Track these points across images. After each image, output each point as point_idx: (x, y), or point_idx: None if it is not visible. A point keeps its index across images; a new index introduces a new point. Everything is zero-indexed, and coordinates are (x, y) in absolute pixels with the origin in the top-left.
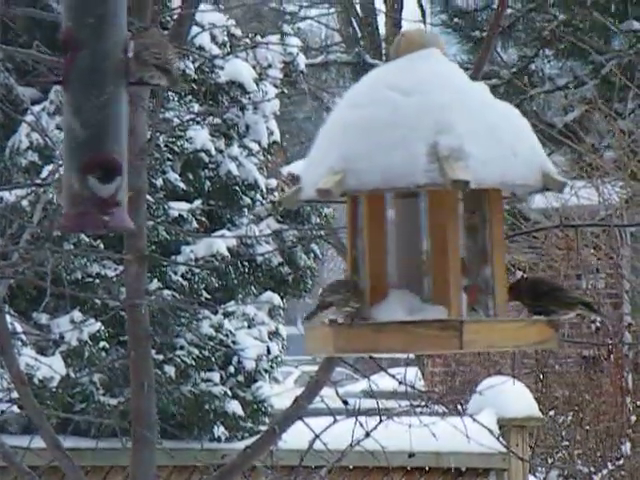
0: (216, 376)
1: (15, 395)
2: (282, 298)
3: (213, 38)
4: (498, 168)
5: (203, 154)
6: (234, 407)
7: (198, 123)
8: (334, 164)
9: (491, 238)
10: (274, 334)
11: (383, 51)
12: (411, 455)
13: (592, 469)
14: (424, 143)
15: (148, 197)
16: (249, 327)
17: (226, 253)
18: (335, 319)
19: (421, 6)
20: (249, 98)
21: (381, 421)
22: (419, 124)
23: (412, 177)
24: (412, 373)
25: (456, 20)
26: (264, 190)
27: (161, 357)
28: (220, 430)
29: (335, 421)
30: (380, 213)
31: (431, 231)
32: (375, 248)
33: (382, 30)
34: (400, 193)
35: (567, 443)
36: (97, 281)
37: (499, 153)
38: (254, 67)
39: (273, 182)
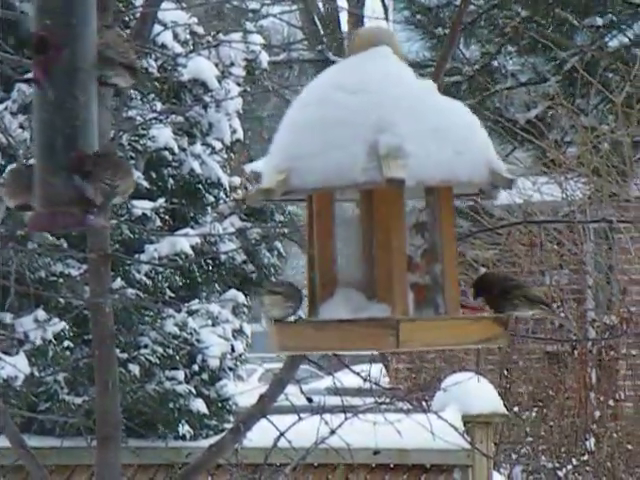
0: (180, 374)
1: None
2: (246, 296)
3: (175, 36)
4: (440, 166)
5: (166, 152)
6: (199, 405)
7: (161, 121)
8: (279, 163)
9: (441, 235)
10: (238, 332)
11: (346, 48)
12: (376, 452)
13: (556, 464)
14: (364, 142)
15: None
16: (213, 325)
17: (190, 251)
18: (281, 316)
19: (384, 3)
20: (212, 96)
21: (346, 418)
22: (361, 123)
23: (351, 176)
24: (376, 370)
25: (419, 17)
26: (227, 188)
27: (125, 356)
28: (185, 428)
29: (300, 419)
30: (328, 211)
31: (376, 229)
32: (324, 246)
33: (344, 27)
34: (347, 192)
35: (531, 439)
36: (61, 280)
37: (442, 151)
38: (217, 65)
39: (236, 180)
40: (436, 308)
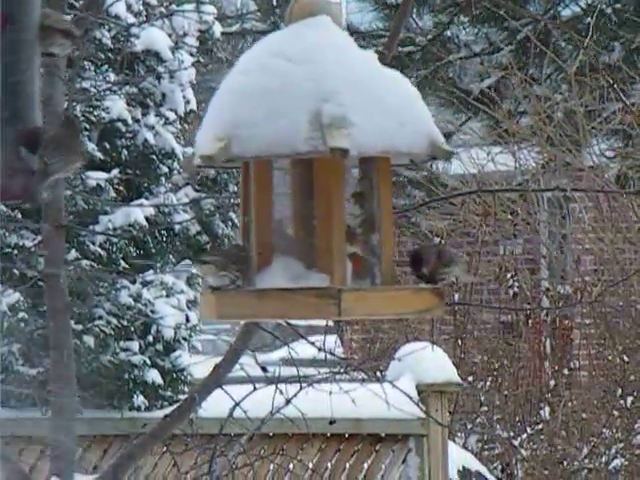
0: (135, 345)
1: None
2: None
3: (129, 7)
4: (382, 137)
5: (120, 123)
6: (153, 376)
7: (114, 92)
8: (219, 131)
9: (379, 206)
10: (193, 303)
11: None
12: (332, 422)
13: (511, 434)
14: (307, 111)
15: None
16: (167, 296)
17: (144, 222)
18: (218, 285)
19: None
20: (165, 67)
21: (301, 388)
22: (303, 92)
23: (294, 144)
24: (331, 340)
25: None
26: (181, 159)
27: (80, 327)
28: (140, 399)
29: (255, 389)
30: (267, 179)
31: (316, 198)
32: (262, 214)
33: None
34: (288, 160)
35: (486, 408)
36: (15, 251)
37: (384, 122)
38: (170, 36)
39: (190, 151)
40: (372, 279)
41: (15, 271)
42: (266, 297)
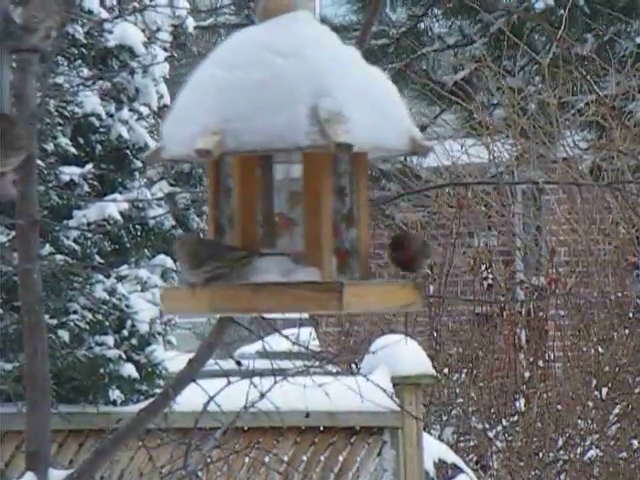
0: (110, 340)
1: None
2: (175, 261)
3: (102, 2)
4: (373, 133)
5: (93, 118)
6: (129, 370)
7: (88, 87)
8: (210, 124)
9: (357, 201)
10: None
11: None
12: (307, 415)
13: (487, 425)
14: (305, 106)
15: (39, 162)
16: (142, 290)
17: (118, 217)
18: (208, 278)
19: None
20: (138, 62)
21: (275, 382)
22: (299, 87)
23: (294, 139)
24: (306, 333)
25: None
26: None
27: (54, 322)
28: (115, 394)
29: (229, 383)
30: (252, 174)
31: (305, 193)
32: (246, 209)
33: None
34: (273, 154)
35: (461, 400)
36: None
37: (374, 118)
38: (143, 31)
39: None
40: (352, 273)
41: None
42: (262, 291)
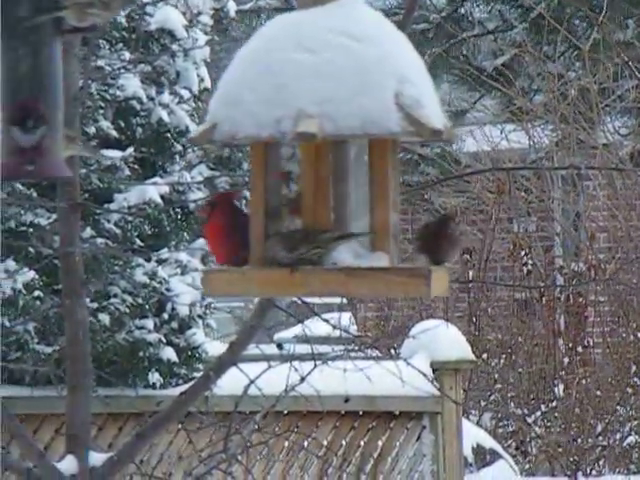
0: (150, 323)
1: None
2: None
3: None
4: (440, 119)
5: (134, 102)
6: (168, 354)
7: (129, 71)
8: (304, 108)
9: (395, 185)
10: None
11: None
12: (347, 400)
13: (525, 411)
14: (391, 91)
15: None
16: (182, 274)
17: (159, 200)
18: (302, 260)
19: None
20: (180, 45)
21: (315, 366)
22: (383, 72)
23: (386, 124)
24: (345, 318)
25: None
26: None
27: (95, 305)
28: (155, 377)
29: (269, 366)
30: (324, 158)
31: (373, 178)
32: (319, 194)
33: None
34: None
35: (500, 386)
36: (31, 230)
37: (435, 104)
38: (184, 14)
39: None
40: (398, 256)
41: (30, 249)
42: (355, 276)
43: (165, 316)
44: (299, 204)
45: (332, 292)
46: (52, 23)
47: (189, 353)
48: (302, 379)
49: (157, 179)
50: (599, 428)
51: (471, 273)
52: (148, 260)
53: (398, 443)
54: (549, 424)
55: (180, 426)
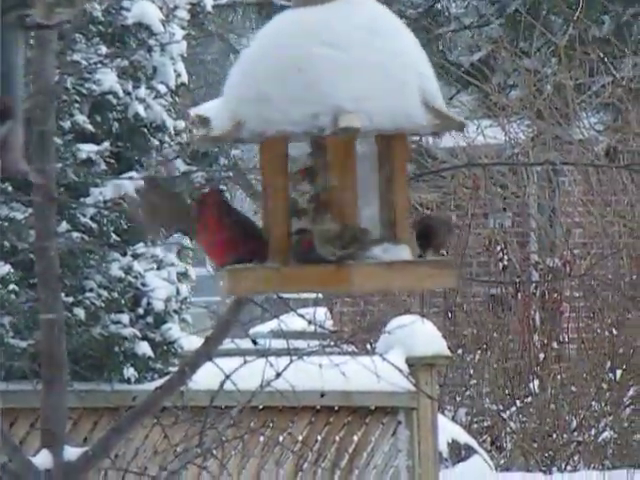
0: (125, 318)
1: None
2: (191, 239)
3: None
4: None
5: (111, 96)
6: (144, 348)
7: (106, 65)
8: (342, 103)
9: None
10: (183, 275)
11: None
12: (322, 395)
13: (500, 407)
14: (415, 85)
15: (56, 139)
16: (158, 268)
17: (135, 195)
18: (343, 257)
19: None
20: (156, 40)
21: (291, 361)
22: (403, 66)
23: (415, 119)
24: (321, 313)
25: None
26: (172, 132)
27: (70, 299)
28: (130, 371)
29: (245, 362)
30: (351, 153)
31: (393, 172)
32: (346, 189)
33: None
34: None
35: (475, 381)
36: (6, 224)
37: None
38: (161, 9)
39: (181, 124)
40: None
41: (6, 243)
42: (395, 269)
43: (140, 311)
44: (326, 200)
45: (374, 287)
46: (17, 20)
47: (165, 348)
48: (278, 374)
49: (133, 173)
50: (574, 424)
51: None
52: (124, 254)
53: (373, 438)
54: (524, 419)
55: (155, 421)
